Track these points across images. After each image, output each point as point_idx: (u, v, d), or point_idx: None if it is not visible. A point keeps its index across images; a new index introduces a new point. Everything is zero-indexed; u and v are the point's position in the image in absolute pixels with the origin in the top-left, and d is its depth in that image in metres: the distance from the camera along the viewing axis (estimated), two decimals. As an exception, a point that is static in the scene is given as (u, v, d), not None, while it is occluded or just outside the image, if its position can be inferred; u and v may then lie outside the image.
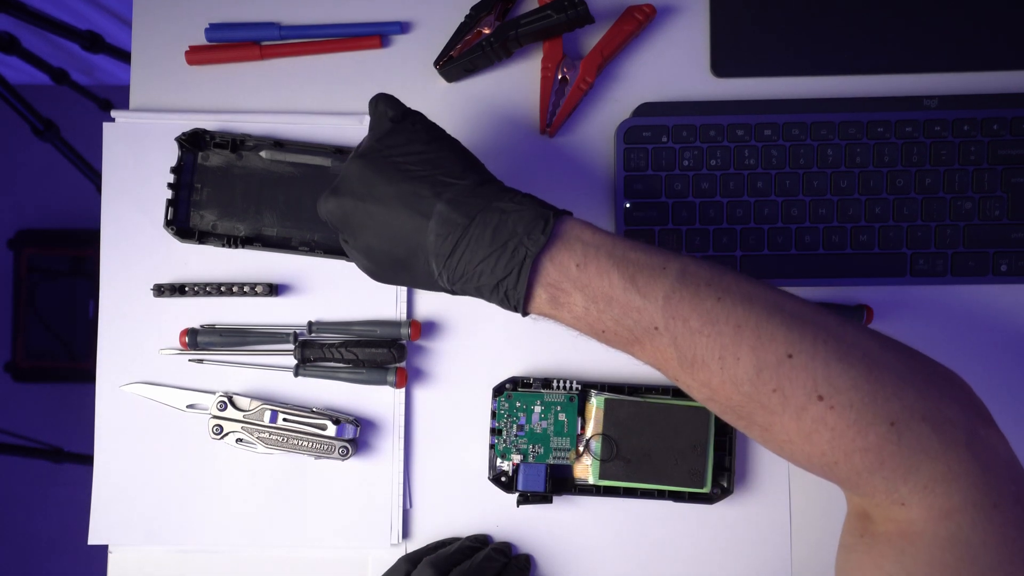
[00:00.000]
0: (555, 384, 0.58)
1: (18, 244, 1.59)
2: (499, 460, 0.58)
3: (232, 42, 0.62)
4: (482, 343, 0.60)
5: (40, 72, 1.15)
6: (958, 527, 0.37)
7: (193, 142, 0.59)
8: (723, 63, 0.61)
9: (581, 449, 0.57)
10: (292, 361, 0.59)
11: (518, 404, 0.58)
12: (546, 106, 0.60)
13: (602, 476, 0.56)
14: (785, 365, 0.39)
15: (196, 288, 0.60)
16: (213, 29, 0.62)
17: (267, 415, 0.58)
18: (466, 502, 0.60)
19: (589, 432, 0.57)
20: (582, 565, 0.59)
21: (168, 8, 0.62)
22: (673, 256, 0.43)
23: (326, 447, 0.58)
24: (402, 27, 0.61)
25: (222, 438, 0.58)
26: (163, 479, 0.60)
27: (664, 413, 0.56)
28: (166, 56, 0.62)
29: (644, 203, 0.60)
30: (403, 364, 0.60)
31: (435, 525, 0.60)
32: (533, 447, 0.58)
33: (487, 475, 0.59)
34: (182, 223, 0.60)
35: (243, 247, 0.59)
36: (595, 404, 0.57)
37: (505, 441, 0.58)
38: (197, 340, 0.59)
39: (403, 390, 0.60)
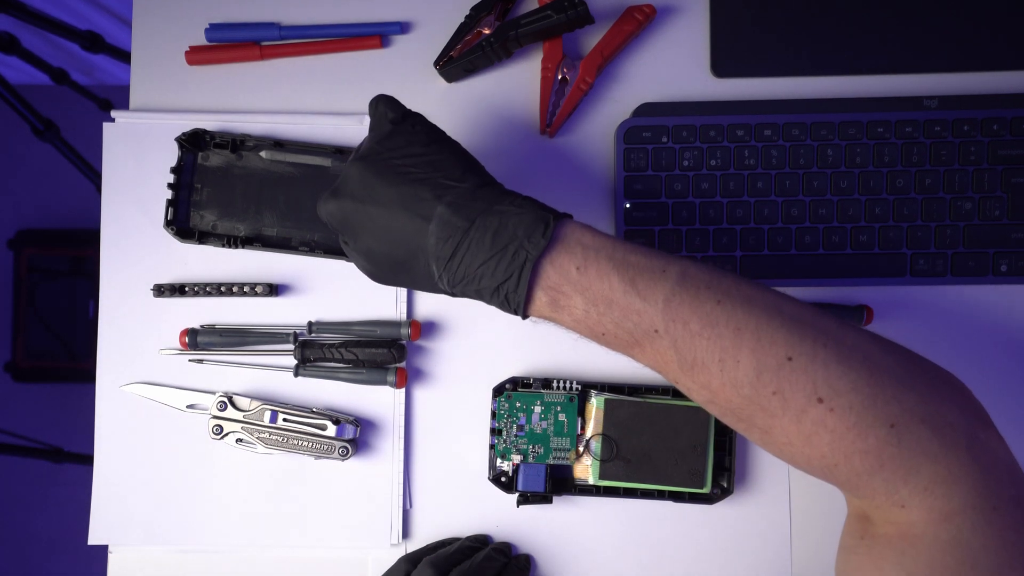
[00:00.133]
0: (555, 384, 0.58)
1: (18, 244, 1.59)
2: (499, 460, 0.58)
3: (232, 42, 0.62)
4: (482, 343, 0.60)
5: (40, 72, 1.15)
6: (958, 530, 0.37)
7: (193, 142, 0.59)
8: (723, 63, 0.61)
9: (581, 449, 0.57)
10: (292, 361, 0.59)
11: (518, 404, 0.58)
12: (546, 106, 0.60)
13: (602, 476, 0.56)
14: (785, 368, 0.39)
15: (196, 288, 0.60)
16: (213, 29, 0.62)
17: (267, 415, 0.58)
18: (466, 502, 0.60)
19: (589, 432, 0.57)
20: (582, 565, 0.59)
21: (168, 8, 0.62)
22: (673, 259, 0.43)
23: (326, 447, 0.58)
24: (402, 27, 0.61)
25: (222, 438, 0.58)
26: (163, 479, 0.60)
27: (664, 413, 0.56)
28: (166, 56, 0.62)
29: (644, 203, 0.60)
30: (403, 364, 0.60)
31: (435, 525, 0.60)
32: (533, 447, 0.58)
33: (487, 475, 0.59)
34: (182, 223, 0.60)
35: (243, 247, 0.59)
36: (595, 404, 0.57)
37: (505, 441, 0.58)
38: (197, 340, 0.59)
39: (403, 390, 0.60)
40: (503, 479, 0.58)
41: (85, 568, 1.59)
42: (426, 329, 0.60)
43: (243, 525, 0.60)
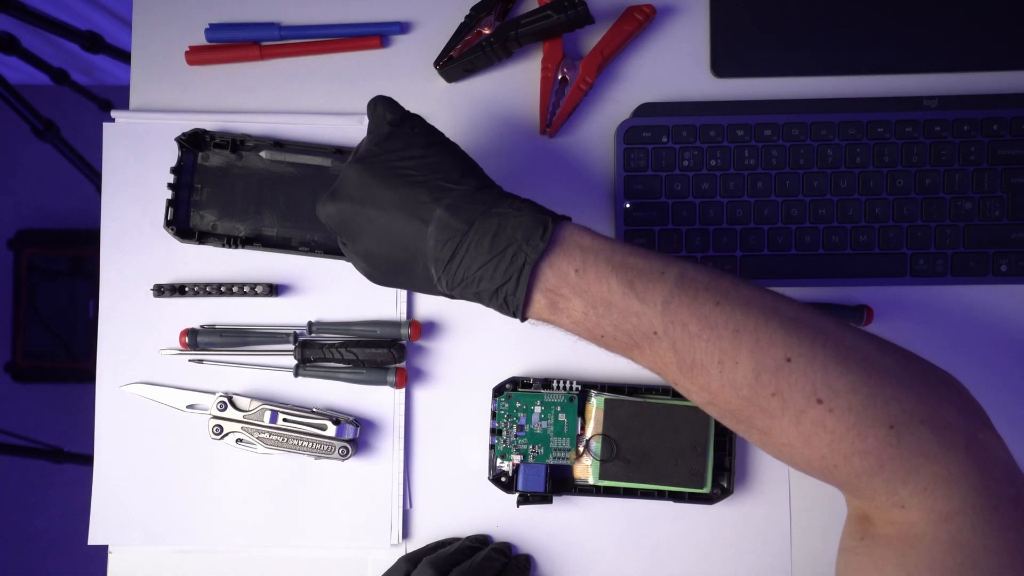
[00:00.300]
0: (555, 384, 0.58)
1: (18, 244, 1.59)
2: (499, 460, 0.58)
3: (232, 42, 0.62)
4: (482, 343, 0.60)
5: (40, 72, 1.15)
6: (958, 530, 0.37)
7: (193, 142, 0.59)
8: (723, 63, 0.61)
9: (581, 449, 0.57)
10: (292, 361, 0.59)
11: (518, 404, 0.58)
12: (546, 106, 0.60)
13: (602, 476, 0.56)
14: (784, 369, 0.39)
15: (196, 288, 0.60)
16: (213, 29, 0.62)
17: (267, 415, 0.58)
18: (466, 502, 0.60)
19: (589, 432, 0.57)
20: (582, 565, 0.59)
21: (168, 8, 0.62)
22: (672, 261, 0.43)
23: (326, 447, 0.58)
24: (402, 27, 0.61)
25: (222, 438, 0.58)
26: (163, 479, 0.60)
27: (664, 413, 0.56)
28: (166, 56, 0.62)
29: (644, 203, 0.60)
30: (403, 364, 0.60)
31: (435, 525, 0.60)
32: (533, 447, 0.58)
33: (487, 475, 0.59)
34: (182, 223, 0.60)
35: (243, 247, 0.59)
36: (595, 404, 0.57)
37: (505, 441, 0.58)
38: (197, 340, 0.59)
39: (403, 390, 0.60)
40: (503, 479, 0.58)
41: (85, 568, 1.59)
42: (426, 329, 0.60)
43: (243, 525, 0.60)
